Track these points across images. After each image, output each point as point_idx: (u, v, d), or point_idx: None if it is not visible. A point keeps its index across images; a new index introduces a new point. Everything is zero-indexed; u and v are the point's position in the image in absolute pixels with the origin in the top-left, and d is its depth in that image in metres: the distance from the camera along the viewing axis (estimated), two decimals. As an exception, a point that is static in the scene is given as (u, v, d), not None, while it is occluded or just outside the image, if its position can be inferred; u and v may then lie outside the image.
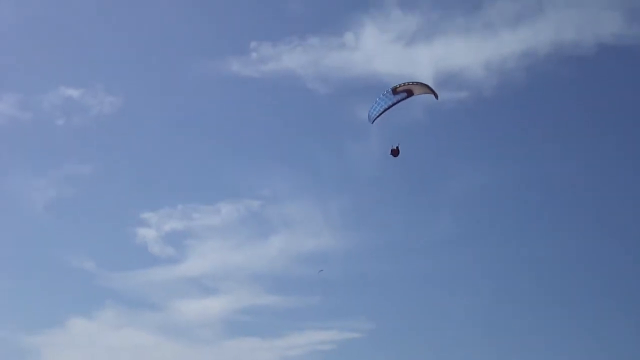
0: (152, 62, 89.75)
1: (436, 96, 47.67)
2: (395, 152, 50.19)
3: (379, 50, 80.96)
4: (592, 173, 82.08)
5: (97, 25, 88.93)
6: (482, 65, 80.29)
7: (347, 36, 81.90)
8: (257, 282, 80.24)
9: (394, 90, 47.16)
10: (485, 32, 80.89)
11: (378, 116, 47.89)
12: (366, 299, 78.95)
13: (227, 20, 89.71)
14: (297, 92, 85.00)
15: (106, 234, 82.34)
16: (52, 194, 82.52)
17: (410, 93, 47.23)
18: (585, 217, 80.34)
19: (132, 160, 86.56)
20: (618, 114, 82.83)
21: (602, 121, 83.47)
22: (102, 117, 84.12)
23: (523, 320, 75.92)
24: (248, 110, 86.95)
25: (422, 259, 78.09)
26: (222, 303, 79.46)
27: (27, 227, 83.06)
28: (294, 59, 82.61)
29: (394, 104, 47.22)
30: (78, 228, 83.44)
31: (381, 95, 47.62)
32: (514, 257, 78.92)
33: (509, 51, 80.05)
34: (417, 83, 46.94)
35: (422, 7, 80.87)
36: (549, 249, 78.70)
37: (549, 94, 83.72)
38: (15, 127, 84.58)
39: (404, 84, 47.02)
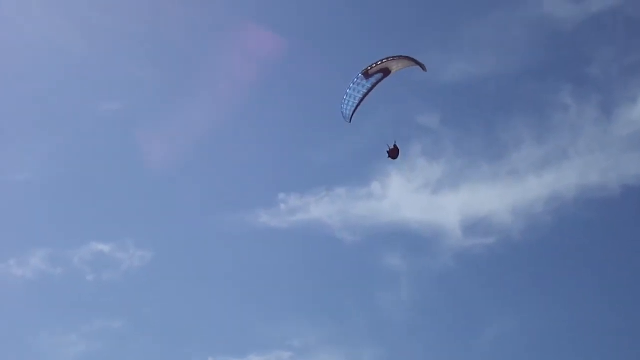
0: (181, 215, 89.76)
1: (423, 68, 41.20)
2: (393, 153, 44.15)
3: (406, 199, 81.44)
4: (625, 316, 78.09)
5: (126, 180, 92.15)
6: (509, 210, 78.53)
7: (374, 186, 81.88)
8: None
9: (367, 74, 41.01)
10: (510, 178, 79.95)
11: (354, 111, 41.96)
12: None
13: (255, 173, 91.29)
14: (326, 241, 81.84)
15: (137, 389, 80.00)
16: (82, 349, 79.91)
17: (386, 72, 41.11)
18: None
19: (162, 314, 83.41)
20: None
21: (631, 261, 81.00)
22: (132, 271, 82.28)
23: None
24: (277, 260, 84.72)
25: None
26: None
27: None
28: (321, 209, 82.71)
29: (370, 90, 41.32)
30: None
31: (351, 85, 41.45)
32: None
33: (535, 196, 78.59)
34: (394, 58, 40.71)
35: (447, 156, 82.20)
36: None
37: (577, 237, 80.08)
38: (46, 283, 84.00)
39: (377, 63, 40.84)
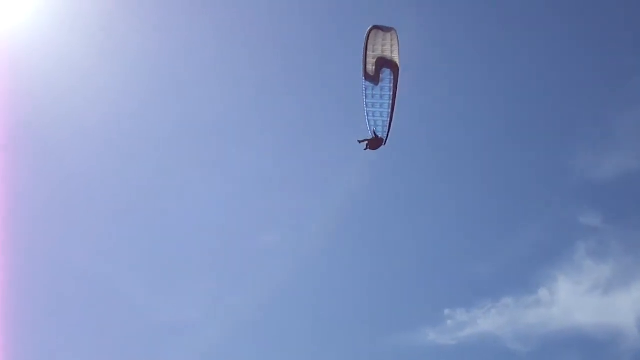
0: (346, 338, 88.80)
1: (390, 29, 34.63)
2: (374, 144, 35.63)
3: (576, 303, 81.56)
4: None
5: (286, 307, 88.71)
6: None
7: (541, 292, 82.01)
8: None
9: (372, 77, 33.93)
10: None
11: (389, 128, 34.32)
12: None
13: (418, 290, 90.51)
14: (499, 354, 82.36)
15: None
16: None
17: (388, 63, 33.98)
18: None
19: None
20: None
21: None
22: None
23: None
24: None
25: None
26: None
27: None
28: (490, 321, 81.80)
29: (393, 98, 34.00)
30: None
31: (366, 101, 34.32)
32: None
33: None
34: (368, 37, 34.03)
35: (614, 254, 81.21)
36: None
37: None
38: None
39: (366, 56, 34.05)
